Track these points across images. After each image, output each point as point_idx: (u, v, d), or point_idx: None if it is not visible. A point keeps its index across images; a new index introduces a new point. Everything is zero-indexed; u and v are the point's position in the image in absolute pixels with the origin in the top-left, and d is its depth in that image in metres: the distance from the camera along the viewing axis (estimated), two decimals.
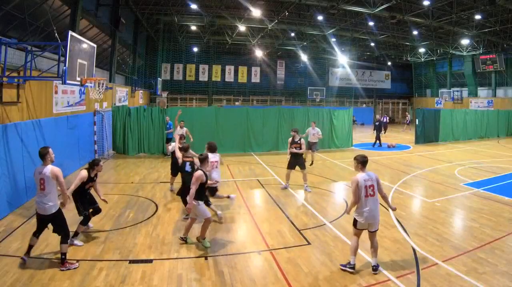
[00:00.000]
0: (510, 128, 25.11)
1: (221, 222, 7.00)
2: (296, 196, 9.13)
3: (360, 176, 5.10)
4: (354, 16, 22.99)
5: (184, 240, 6.03)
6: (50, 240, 5.96)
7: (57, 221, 5.13)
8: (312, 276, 4.95)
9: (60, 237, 5.11)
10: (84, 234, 6.26)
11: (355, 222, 5.16)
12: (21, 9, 10.25)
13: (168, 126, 14.45)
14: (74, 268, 5.00)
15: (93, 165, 6.06)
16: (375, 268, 5.04)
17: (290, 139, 9.55)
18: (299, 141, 9.43)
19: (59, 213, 5.15)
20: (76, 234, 5.90)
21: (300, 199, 8.93)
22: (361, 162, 5.19)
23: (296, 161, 9.46)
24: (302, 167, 9.51)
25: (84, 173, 5.90)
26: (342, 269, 5.10)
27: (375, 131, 19.45)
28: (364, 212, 5.02)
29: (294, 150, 9.36)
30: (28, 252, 5.15)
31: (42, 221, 5.14)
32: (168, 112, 15.11)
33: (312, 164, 12.60)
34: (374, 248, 5.11)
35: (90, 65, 8.64)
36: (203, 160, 6.02)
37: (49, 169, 5.05)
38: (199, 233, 6.02)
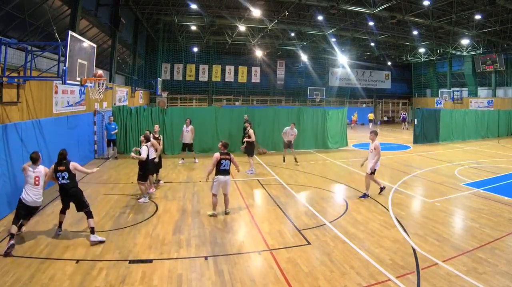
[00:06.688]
0: (510, 128, 25.11)
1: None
2: (296, 196, 9.13)
3: None
4: (354, 16, 22.99)
5: None
6: (50, 240, 5.97)
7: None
8: (312, 276, 4.95)
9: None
10: (84, 233, 6.26)
11: None
12: (21, 9, 10.25)
13: (113, 127, 13.61)
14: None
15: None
16: None
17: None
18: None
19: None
20: (93, 230, 6.00)
21: (300, 199, 8.93)
22: None
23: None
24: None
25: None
26: None
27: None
28: None
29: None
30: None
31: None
32: (168, 112, 15.10)
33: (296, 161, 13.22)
34: None
35: (90, 65, 8.62)
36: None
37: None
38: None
